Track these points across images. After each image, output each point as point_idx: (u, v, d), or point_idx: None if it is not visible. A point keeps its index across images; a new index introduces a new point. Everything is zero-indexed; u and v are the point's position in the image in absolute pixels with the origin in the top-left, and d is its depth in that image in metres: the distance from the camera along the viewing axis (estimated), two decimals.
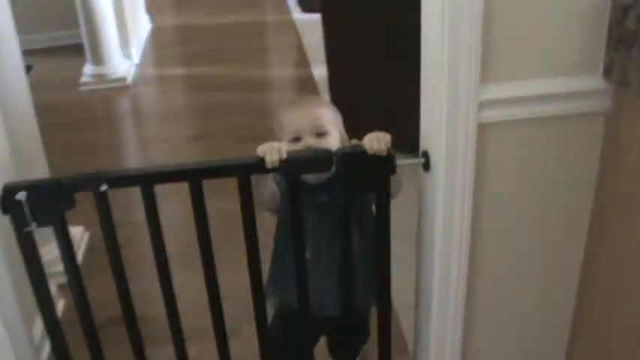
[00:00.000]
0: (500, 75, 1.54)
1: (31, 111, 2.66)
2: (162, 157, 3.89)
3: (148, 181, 1.59)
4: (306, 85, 4.73)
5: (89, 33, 4.74)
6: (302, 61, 5.21)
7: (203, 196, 1.61)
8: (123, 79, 4.89)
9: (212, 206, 1.66)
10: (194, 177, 1.59)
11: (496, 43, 1.50)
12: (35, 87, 4.73)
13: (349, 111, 3.65)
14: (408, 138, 2.00)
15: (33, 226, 1.58)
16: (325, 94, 4.12)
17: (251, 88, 4.81)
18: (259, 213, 1.67)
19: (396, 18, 3.40)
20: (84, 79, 4.87)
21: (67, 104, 4.61)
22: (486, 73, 1.52)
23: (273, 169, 1.59)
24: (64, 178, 1.57)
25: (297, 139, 1.72)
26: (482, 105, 1.55)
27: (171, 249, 1.70)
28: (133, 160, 4.00)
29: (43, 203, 1.58)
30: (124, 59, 5.03)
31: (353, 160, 1.63)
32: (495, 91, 1.54)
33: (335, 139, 1.74)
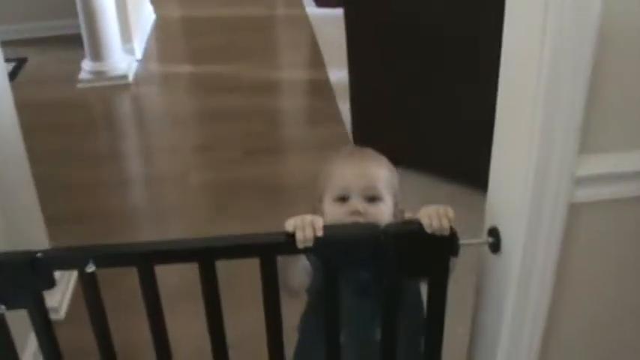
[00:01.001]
0: (601, 145, 1.21)
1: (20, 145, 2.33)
2: (165, 169, 3.56)
3: (146, 260, 1.25)
4: (321, 90, 4.36)
5: (88, 25, 4.33)
6: (316, 61, 4.83)
7: (216, 279, 1.28)
8: (124, 77, 4.50)
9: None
10: (206, 258, 1.26)
11: (602, 104, 1.16)
12: (30, 82, 4.47)
13: (372, 128, 3.32)
14: (441, 165, 1.63)
15: (1, 308, 1.27)
16: (344, 102, 3.77)
17: (260, 92, 4.44)
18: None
19: (440, 17, 2.80)
20: (82, 75, 4.48)
21: (64, 103, 4.23)
22: (585, 143, 1.19)
23: (306, 249, 1.27)
24: (41, 253, 1.24)
25: (343, 199, 1.43)
26: (578, 181, 1.21)
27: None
28: (134, 173, 3.64)
29: (15, 282, 1.25)
30: (125, 54, 4.64)
31: (406, 239, 1.30)
32: (594, 164, 1.21)
33: (388, 207, 1.44)
